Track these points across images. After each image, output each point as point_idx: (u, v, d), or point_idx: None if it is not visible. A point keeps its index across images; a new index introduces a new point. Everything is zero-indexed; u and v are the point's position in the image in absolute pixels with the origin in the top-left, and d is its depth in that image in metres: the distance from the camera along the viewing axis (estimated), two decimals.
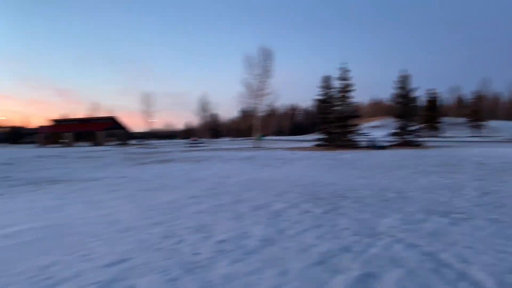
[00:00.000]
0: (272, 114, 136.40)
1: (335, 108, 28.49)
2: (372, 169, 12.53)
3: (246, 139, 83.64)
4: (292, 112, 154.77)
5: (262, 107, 34.11)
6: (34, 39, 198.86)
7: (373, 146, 26.59)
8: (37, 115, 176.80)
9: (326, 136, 28.83)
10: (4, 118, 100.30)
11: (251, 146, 35.86)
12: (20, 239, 4.74)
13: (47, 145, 60.73)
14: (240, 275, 3.41)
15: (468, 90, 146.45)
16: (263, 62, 32.81)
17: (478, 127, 66.34)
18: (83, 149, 40.26)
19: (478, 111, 67.49)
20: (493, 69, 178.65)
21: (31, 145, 66.41)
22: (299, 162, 16.07)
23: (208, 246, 4.30)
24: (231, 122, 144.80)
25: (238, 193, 8.03)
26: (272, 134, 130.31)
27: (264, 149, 28.57)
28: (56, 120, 72.14)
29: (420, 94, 73.75)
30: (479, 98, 72.01)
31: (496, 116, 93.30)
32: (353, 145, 27.04)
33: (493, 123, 75.19)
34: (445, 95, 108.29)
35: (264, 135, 70.87)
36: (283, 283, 3.22)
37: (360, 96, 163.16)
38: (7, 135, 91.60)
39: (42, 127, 68.55)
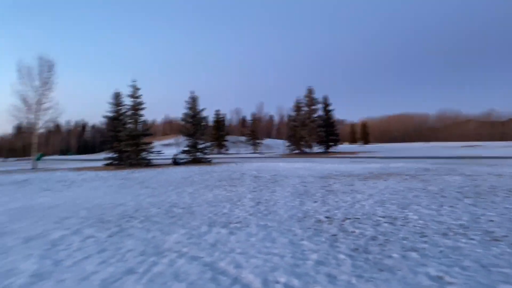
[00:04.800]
0: (56, 131, 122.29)
1: (127, 126, 27.69)
2: (163, 186, 12.69)
3: (22, 160, 71.26)
4: (80, 129, 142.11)
5: (41, 123, 29.69)
6: None
7: (175, 162, 28.21)
8: None
9: (117, 155, 27.57)
10: None
11: (29, 167, 30.75)
12: None
13: None
14: None
15: (248, 112, 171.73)
16: (43, 74, 28.86)
17: (256, 144, 76.48)
18: None
19: (256, 130, 77.91)
20: (267, 95, 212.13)
21: None
22: (86, 183, 14.75)
23: None
24: (2, 139, 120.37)
25: (3, 225, 6.74)
26: (57, 153, 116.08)
27: (43, 171, 24.96)
28: None
29: (208, 114, 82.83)
30: (257, 120, 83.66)
31: (270, 135, 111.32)
32: (146, 163, 26.81)
33: (267, 141, 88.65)
34: (230, 116, 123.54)
35: (43, 154, 62.22)
36: None
37: (154, 114, 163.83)
38: None
39: None
